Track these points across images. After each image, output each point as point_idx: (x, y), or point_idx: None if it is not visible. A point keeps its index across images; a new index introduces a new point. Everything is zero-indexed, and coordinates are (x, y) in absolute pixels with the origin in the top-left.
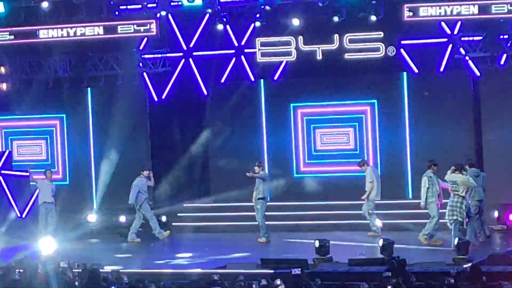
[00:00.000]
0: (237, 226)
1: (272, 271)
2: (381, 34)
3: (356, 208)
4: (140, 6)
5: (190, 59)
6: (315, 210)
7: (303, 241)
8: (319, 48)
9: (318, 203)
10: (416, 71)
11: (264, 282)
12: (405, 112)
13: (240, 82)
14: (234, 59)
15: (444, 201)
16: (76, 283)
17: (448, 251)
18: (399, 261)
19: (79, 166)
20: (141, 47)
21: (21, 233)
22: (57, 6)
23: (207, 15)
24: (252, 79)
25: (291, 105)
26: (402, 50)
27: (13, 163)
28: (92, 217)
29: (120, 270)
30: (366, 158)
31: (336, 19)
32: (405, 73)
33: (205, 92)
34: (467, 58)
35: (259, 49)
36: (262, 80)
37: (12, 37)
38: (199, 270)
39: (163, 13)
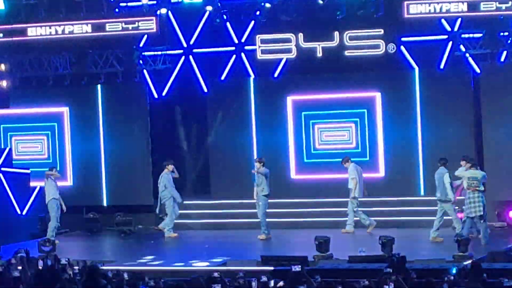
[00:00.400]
0: (237, 223)
1: (272, 268)
2: (381, 31)
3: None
4: (140, 3)
5: (190, 56)
6: (315, 207)
7: (303, 238)
8: (319, 45)
9: (319, 200)
10: (416, 68)
11: (264, 279)
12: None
13: (240, 79)
14: (234, 56)
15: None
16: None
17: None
18: (399, 258)
19: (86, 164)
20: (141, 44)
21: (21, 231)
22: (58, 4)
23: (207, 12)
24: (252, 76)
25: (286, 97)
26: (402, 47)
27: (13, 161)
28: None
29: (120, 267)
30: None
31: (336, 16)
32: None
33: (205, 89)
34: (467, 55)
35: (259, 46)
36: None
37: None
38: (199, 267)
39: (163, 10)
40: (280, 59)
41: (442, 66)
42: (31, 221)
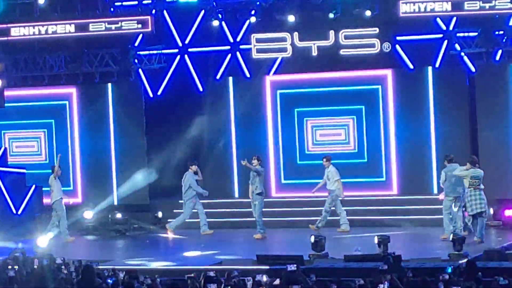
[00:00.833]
0: (233, 222)
1: (267, 267)
2: (376, 30)
3: (352, 204)
4: (136, 2)
5: (186, 56)
6: (310, 207)
7: (299, 238)
8: (314, 44)
9: (313, 199)
10: (412, 66)
11: (258, 277)
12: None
13: (235, 78)
14: (229, 55)
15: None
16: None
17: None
18: (395, 257)
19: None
20: (136, 44)
21: (17, 230)
22: (53, 3)
23: (203, 12)
24: (248, 75)
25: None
26: (397, 46)
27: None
28: (88, 214)
29: (115, 266)
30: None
31: (331, 15)
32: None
33: (201, 89)
34: (462, 54)
35: (254, 45)
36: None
37: None
38: (194, 267)
39: (159, 9)
40: (276, 58)
41: (437, 65)
42: (27, 220)
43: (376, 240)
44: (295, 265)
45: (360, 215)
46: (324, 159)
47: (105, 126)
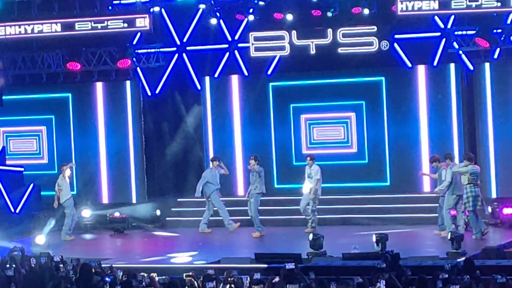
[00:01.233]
0: (232, 221)
1: (266, 265)
2: (374, 29)
3: (349, 203)
4: (134, 0)
5: (184, 54)
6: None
7: (297, 236)
8: (312, 42)
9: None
10: (410, 65)
11: (257, 276)
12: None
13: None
14: (227, 54)
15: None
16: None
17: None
18: (393, 255)
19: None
20: (134, 42)
21: (15, 229)
22: (50, 1)
23: (200, 10)
24: (246, 73)
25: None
26: (395, 44)
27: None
28: (86, 212)
29: (114, 265)
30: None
31: (329, 13)
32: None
33: (199, 87)
34: (460, 52)
35: (252, 44)
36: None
37: None
38: (193, 265)
39: (157, 8)
40: (274, 57)
41: (435, 63)
42: (25, 219)
43: (374, 238)
44: (293, 263)
45: (357, 213)
46: (308, 158)
47: (102, 124)
